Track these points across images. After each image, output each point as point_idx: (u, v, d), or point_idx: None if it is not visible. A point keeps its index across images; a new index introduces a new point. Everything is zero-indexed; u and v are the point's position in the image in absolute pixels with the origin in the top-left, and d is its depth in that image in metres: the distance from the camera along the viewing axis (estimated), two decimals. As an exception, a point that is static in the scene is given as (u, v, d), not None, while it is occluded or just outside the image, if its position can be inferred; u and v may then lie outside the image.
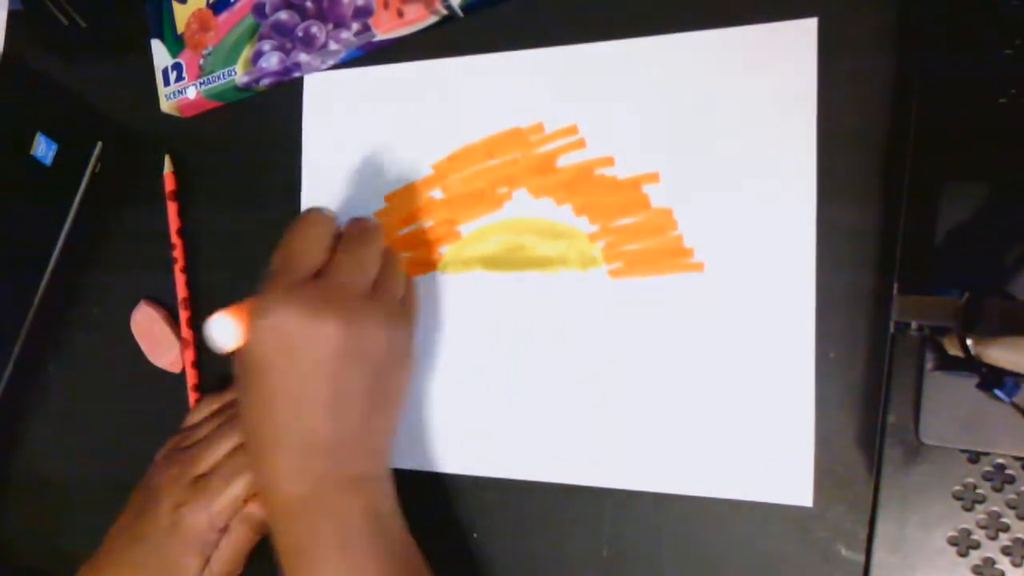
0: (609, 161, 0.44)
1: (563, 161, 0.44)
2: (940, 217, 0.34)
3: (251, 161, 0.51)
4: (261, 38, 0.48)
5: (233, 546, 0.45)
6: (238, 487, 0.44)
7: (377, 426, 0.40)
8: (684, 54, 0.42)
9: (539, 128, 0.45)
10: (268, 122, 0.51)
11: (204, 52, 0.50)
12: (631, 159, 0.43)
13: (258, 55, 0.48)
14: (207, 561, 0.44)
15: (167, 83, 0.51)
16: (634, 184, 0.43)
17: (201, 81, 0.50)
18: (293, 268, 0.39)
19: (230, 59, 0.49)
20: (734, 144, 0.41)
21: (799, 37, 0.40)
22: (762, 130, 0.41)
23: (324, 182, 0.49)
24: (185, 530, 0.43)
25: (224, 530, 0.44)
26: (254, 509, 0.45)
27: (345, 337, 0.37)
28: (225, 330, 0.38)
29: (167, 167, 0.53)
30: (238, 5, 0.49)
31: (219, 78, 0.49)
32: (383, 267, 0.41)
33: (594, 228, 0.44)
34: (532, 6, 0.45)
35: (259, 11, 0.48)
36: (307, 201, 0.50)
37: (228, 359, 0.51)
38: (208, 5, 0.50)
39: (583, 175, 0.44)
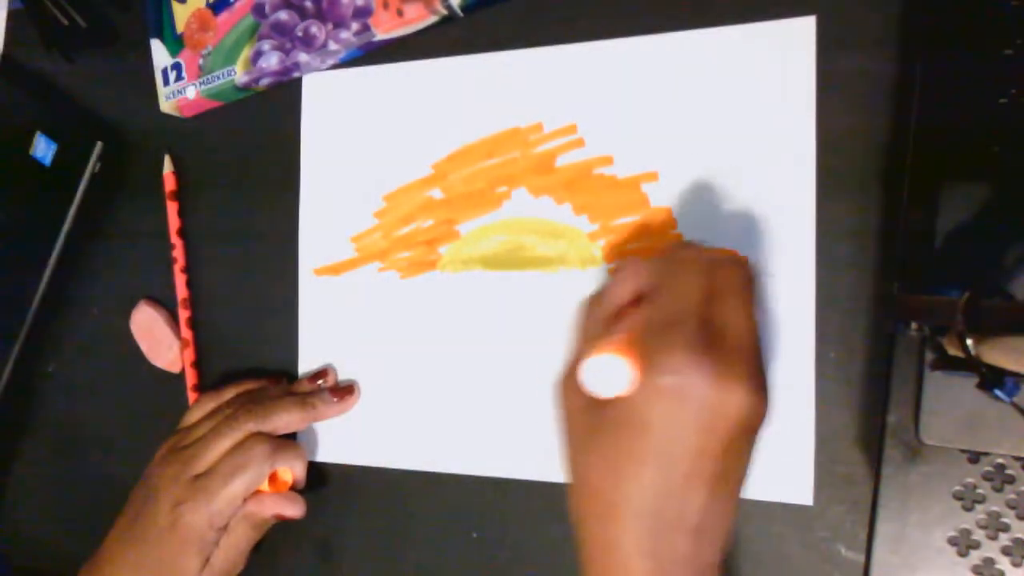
0: (608, 160, 0.44)
1: (562, 160, 0.44)
2: (940, 217, 0.34)
3: (251, 161, 0.51)
4: (261, 38, 0.48)
5: (234, 545, 0.45)
6: (237, 486, 0.43)
7: (736, 506, 0.35)
8: (683, 53, 0.42)
9: (538, 127, 0.45)
10: (268, 122, 0.51)
11: (204, 52, 0.50)
12: (630, 158, 0.43)
13: (258, 55, 0.48)
14: (207, 560, 0.44)
15: (167, 83, 0.51)
16: (633, 183, 0.43)
17: (201, 81, 0.50)
18: (690, 318, 0.33)
19: (230, 59, 0.49)
20: (733, 143, 0.41)
21: (797, 35, 0.40)
22: (761, 128, 0.41)
23: (323, 182, 0.49)
24: (184, 529, 0.43)
25: (223, 529, 0.44)
26: (255, 507, 0.45)
27: (750, 411, 0.32)
28: (613, 374, 0.32)
29: (167, 167, 0.53)
30: (238, 5, 0.49)
31: (219, 78, 0.49)
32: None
33: (594, 227, 0.44)
34: (532, 6, 0.45)
35: (259, 11, 0.48)
36: (307, 201, 0.50)
37: (228, 360, 0.51)
38: (208, 5, 0.50)
39: (582, 174, 0.44)
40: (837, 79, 0.40)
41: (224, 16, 0.49)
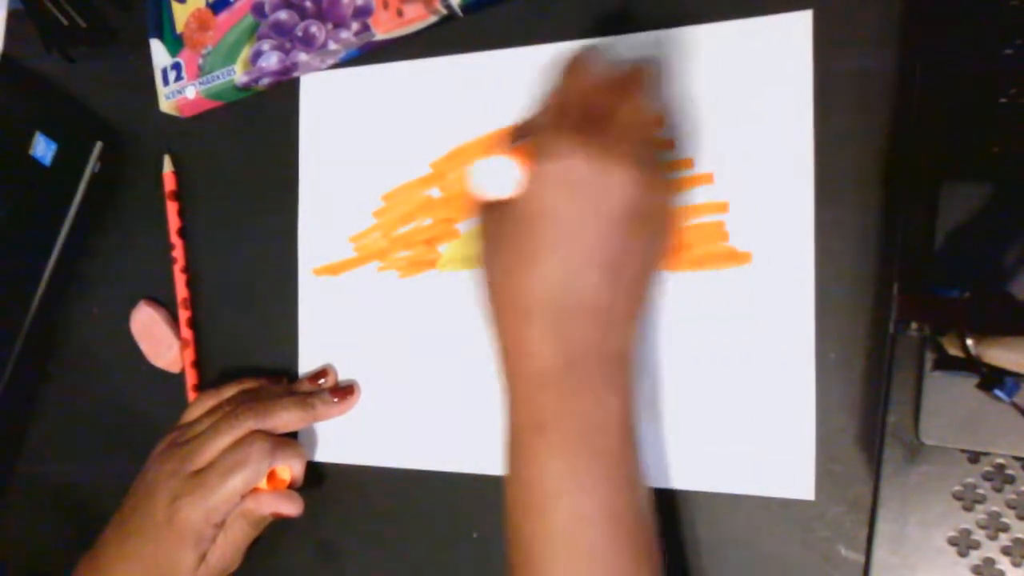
0: (609, 161, 0.44)
1: (563, 161, 0.44)
2: (940, 217, 0.34)
3: (250, 161, 0.51)
4: (260, 38, 0.48)
5: (231, 541, 0.45)
6: (235, 483, 0.43)
7: (643, 296, 0.36)
8: (678, 50, 0.42)
9: (539, 128, 0.45)
10: (267, 122, 0.51)
11: (203, 52, 0.50)
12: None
13: (257, 55, 0.48)
14: (203, 555, 0.44)
15: (166, 83, 0.51)
16: (634, 184, 0.43)
17: (200, 81, 0.50)
18: (573, 109, 0.35)
19: (229, 59, 0.49)
20: (731, 141, 0.41)
21: (794, 30, 0.40)
22: (758, 126, 0.41)
23: (323, 181, 0.49)
24: (181, 524, 0.43)
25: (220, 525, 0.44)
26: (253, 505, 0.45)
27: (638, 191, 0.33)
28: (503, 173, 0.34)
29: (167, 167, 0.53)
30: (237, 5, 0.49)
31: (218, 78, 0.49)
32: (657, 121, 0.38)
33: (594, 228, 0.44)
34: (532, 6, 0.45)
35: (258, 11, 0.48)
36: (306, 201, 0.50)
37: (228, 360, 0.51)
38: (207, 5, 0.50)
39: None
40: (837, 78, 0.40)
41: (224, 16, 0.49)
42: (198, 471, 0.44)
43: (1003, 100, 0.34)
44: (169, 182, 0.53)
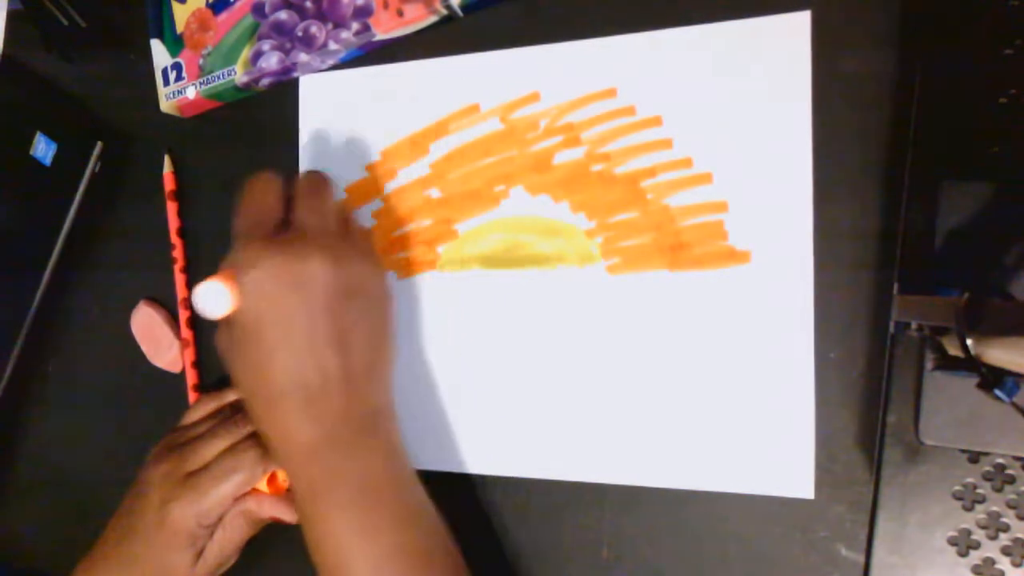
0: (605, 157, 0.44)
1: (559, 158, 0.44)
2: (940, 217, 0.34)
3: (251, 161, 0.51)
4: (261, 38, 0.48)
5: (229, 539, 0.45)
6: (227, 487, 0.43)
7: (381, 357, 0.41)
8: (678, 50, 0.42)
9: (535, 126, 0.45)
10: (267, 122, 0.51)
11: (204, 52, 0.50)
12: (626, 156, 0.43)
13: (258, 55, 0.48)
14: (199, 553, 0.44)
15: (167, 83, 0.51)
16: (631, 180, 0.43)
17: (201, 81, 0.50)
18: (260, 226, 0.40)
19: (230, 59, 0.49)
20: (730, 140, 0.41)
21: (792, 31, 0.40)
22: (757, 125, 0.41)
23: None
24: (172, 526, 0.43)
25: (213, 526, 0.44)
26: (253, 507, 0.45)
27: (334, 273, 0.38)
28: (216, 295, 0.38)
29: (167, 167, 0.53)
30: (237, 5, 0.49)
31: (219, 78, 0.49)
32: (342, 212, 0.43)
33: (591, 224, 0.44)
34: (532, 6, 0.45)
35: (259, 11, 0.48)
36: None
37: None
38: (207, 5, 0.50)
39: (579, 172, 0.44)
40: (836, 78, 0.40)
41: (224, 16, 0.49)
42: (191, 474, 0.44)
43: (1003, 100, 0.34)
44: (169, 182, 0.53)
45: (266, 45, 0.48)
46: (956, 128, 0.35)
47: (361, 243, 0.42)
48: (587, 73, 0.44)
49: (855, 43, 0.40)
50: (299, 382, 0.38)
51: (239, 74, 0.49)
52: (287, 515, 0.46)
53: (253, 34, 0.48)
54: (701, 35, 0.42)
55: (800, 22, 0.40)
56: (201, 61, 0.50)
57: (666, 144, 0.43)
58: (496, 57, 0.46)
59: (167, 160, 0.53)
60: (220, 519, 0.44)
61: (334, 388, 0.38)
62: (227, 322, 0.39)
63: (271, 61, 0.48)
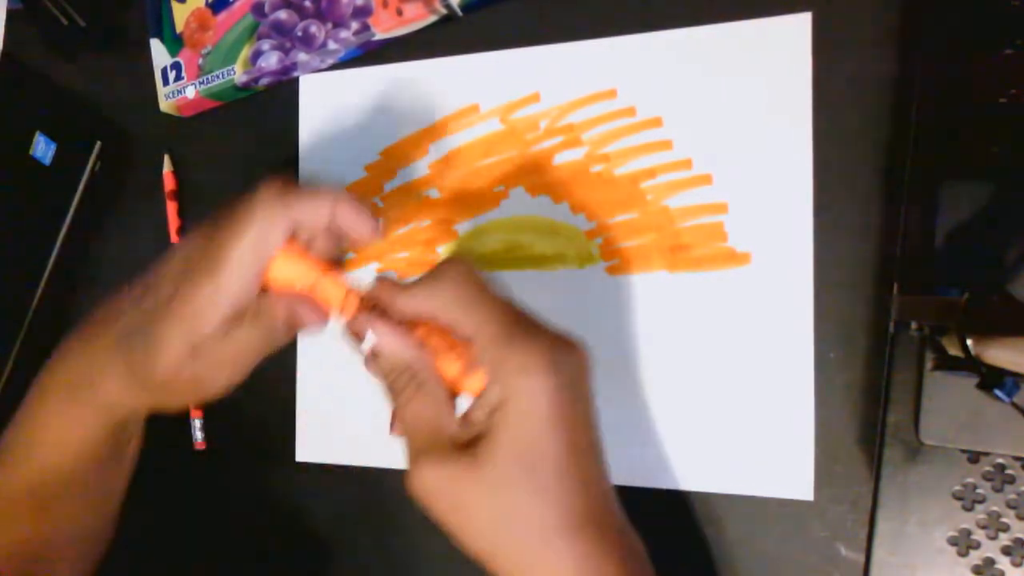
0: (605, 158, 0.44)
1: (559, 159, 0.44)
2: (940, 217, 0.34)
3: (250, 160, 0.51)
4: (260, 37, 0.48)
5: (236, 347, 0.36)
6: (244, 246, 0.33)
7: (605, 475, 0.35)
8: (677, 51, 0.42)
9: (535, 126, 0.45)
10: (267, 122, 0.51)
11: (203, 52, 0.50)
12: (626, 156, 0.43)
13: (257, 54, 0.48)
14: (194, 346, 0.35)
15: (166, 83, 0.51)
16: (631, 181, 0.43)
17: (200, 80, 0.50)
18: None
19: (229, 58, 0.49)
20: (730, 141, 0.41)
21: (793, 32, 0.40)
22: (758, 127, 0.41)
23: (322, 181, 0.49)
24: (183, 299, 0.34)
25: (227, 320, 0.35)
26: (278, 307, 0.36)
27: (573, 380, 0.33)
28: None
29: (167, 167, 0.53)
30: (237, 4, 0.49)
31: (218, 77, 0.49)
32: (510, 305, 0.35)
33: (591, 225, 0.44)
34: (532, 6, 0.45)
35: (258, 10, 0.48)
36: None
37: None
38: (207, 4, 0.50)
39: (579, 172, 0.44)
40: (836, 79, 0.40)
41: (223, 16, 0.49)
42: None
43: (1003, 100, 0.34)
44: (169, 182, 0.53)
45: (266, 45, 0.48)
46: (956, 128, 0.35)
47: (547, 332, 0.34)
48: (587, 74, 0.44)
49: (855, 44, 0.40)
50: (588, 513, 0.32)
51: (238, 73, 0.49)
52: (312, 318, 0.36)
53: (252, 34, 0.48)
54: (702, 36, 0.42)
55: (801, 23, 0.40)
56: (200, 61, 0.50)
57: (666, 145, 0.43)
58: (496, 57, 0.46)
59: (167, 160, 0.53)
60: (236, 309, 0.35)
61: (587, 525, 0.32)
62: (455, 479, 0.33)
63: (271, 61, 0.48)
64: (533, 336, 0.32)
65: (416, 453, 0.34)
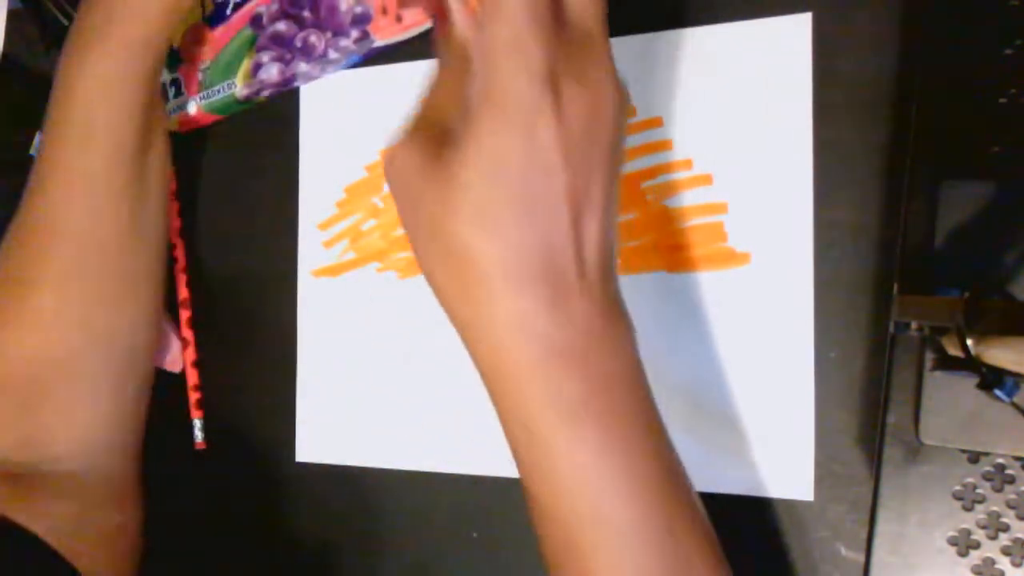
0: (609, 161, 0.44)
1: (563, 161, 0.44)
2: (940, 217, 0.34)
3: (251, 161, 0.51)
4: (260, 49, 0.48)
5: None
6: None
7: (614, 203, 0.30)
8: (677, 51, 0.42)
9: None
10: (268, 122, 0.51)
11: (202, 67, 0.49)
12: (626, 157, 0.43)
13: (257, 67, 0.48)
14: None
15: (167, 99, 0.51)
16: (630, 181, 0.43)
17: (201, 95, 0.50)
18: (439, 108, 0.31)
19: (229, 71, 0.49)
20: (730, 142, 0.41)
21: (793, 33, 0.40)
22: (757, 127, 0.41)
23: (322, 182, 0.49)
24: None
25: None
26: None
27: (566, 104, 0.28)
28: None
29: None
30: (234, 18, 0.49)
31: (219, 92, 0.49)
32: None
33: (593, 228, 0.44)
34: (532, 6, 0.45)
35: (256, 22, 0.48)
36: (305, 201, 0.50)
37: (228, 360, 0.51)
38: (203, 19, 0.50)
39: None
40: (836, 80, 0.40)
41: (221, 29, 0.49)
42: None
43: (1003, 100, 0.34)
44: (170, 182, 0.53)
45: (265, 56, 0.48)
46: (956, 128, 0.35)
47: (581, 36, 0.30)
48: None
49: (855, 44, 0.40)
50: (534, 257, 0.27)
51: (239, 87, 0.48)
52: None
53: (252, 46, 0.48)
54: (701, 37, 0.42)
55: (801, 24, 0.40)
56: (200, 76, 0.50)
57: (666, 145, 0.43)
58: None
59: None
60: None
61: (573, 269, 0.28)
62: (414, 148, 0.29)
63: (271, 72, 0.48)
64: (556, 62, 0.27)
65: (410, 130, 0.30)
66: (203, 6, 0.49)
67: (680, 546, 0.30)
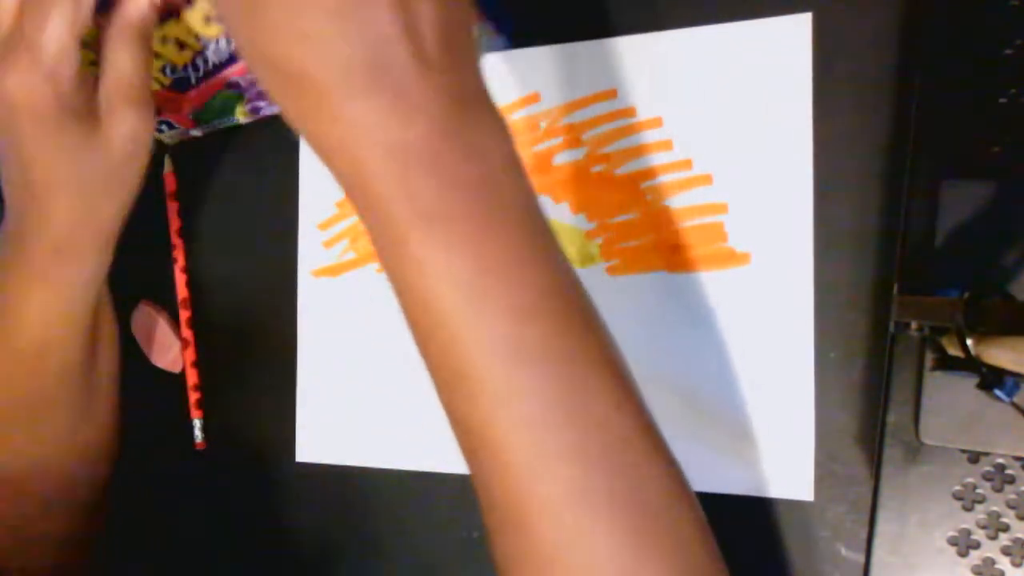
0: (605, 158, 0.44)
1: (560, 159, 0.44)
2: (940, 217, 0.34)
3: (251, 161, 0.51)
4: (251, 100, 0.47)
5: (122, 131, 0.35)
6: (57, 24, 0.31)
7: (467, 38, 0.28)
8: (677, 51, 0.42)
9: (535, 126, 0.45)
10: (268, 122, 0.51)
11: (190, 114, 0.48)
12: (627, 157, 0.43)
13: (256, 109, 0.47)
14: (97, 130, 0.34)
15: (160, 131, 0.49)
16: (631, 181, 0.43)
17: (200, 127, 0.49)
18: None
19: (224, 112, 0.47)
20: (730, 142, 0.41)
21: (793, 32, 0.40)
22: (757, 127, 0.41)
23: (322, 182, 0.49)
24: (25, 106, 0.32)
25: (81, 89, 0.33)
26: (129, 9, 0.34)
27: None
28: None
29: (167, 167, 0.53)
30: (204, 85, 0.45)
31: (217, 124, 0.48)
32: None
33: (592, 225, 0.44)
34: (530, 7, 0.45)
35: (234, 86, 0.46)
36: (305, 201, 0.50)
37: (228, 360, 0.51)
38: (165, 87, 0.45)
39: (580, 173, 0.44)
40: (836, 80, 0.40)
41: (194, 92, 0.46)
42: (11, 41, 0.32)
43: (1003, 100, 0.34)
44: (169, 183, 0.53)
45: (262, 102, 0.47)
46: (956, 128, 0.35)
47: None
48: (587, 74, 0.44)
49: (855, 44, 0.40)
50: (361, 58, 0.25)
51: (241, 119, 0.48)
52: None
53: (241, 99, 0.47)
54: (702, 37, 0.42)
55: (801, 24, 0.40)
56: (192, 117, 0.48)
57: (666, 145, 0.43)
58: (496, 58, 0.46)
59: (167, 161, 0.53)
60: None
61: (435, 56, 0.26)
62: None
63: (273, 108, 0.46)
64: None
65: None
66: (160, 82, 0.45)
67: (574, 367, 0.27)
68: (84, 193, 0.35)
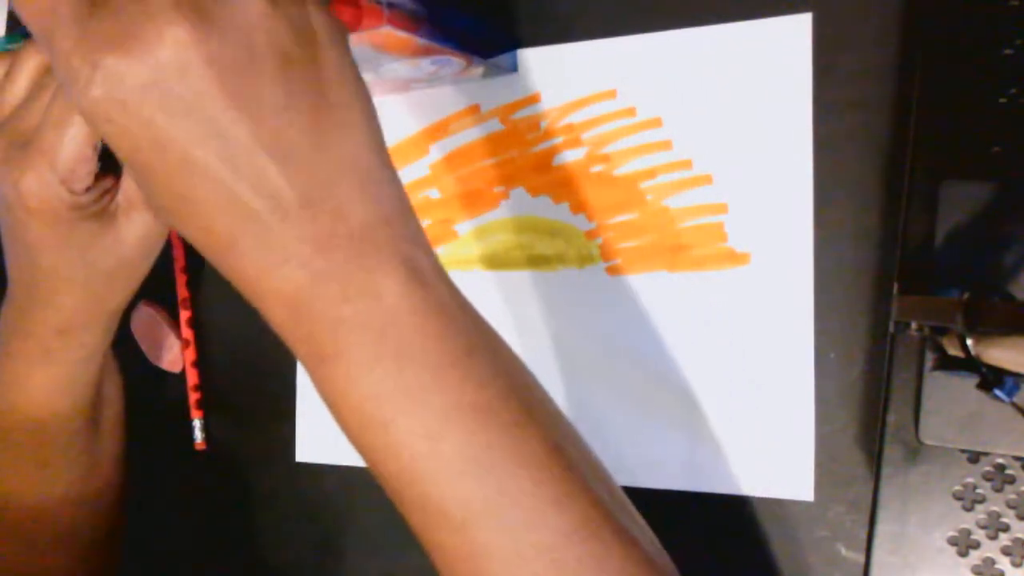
0: (605, 158, 0.44)
1: (560, 159, 0.45)
2: (940, 217, 0.34)
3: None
4: None
5: (136, 232, 0.35)
6: (76, 130, 0.31)
7: (355, 139, 0.29)
8: (677, 51, 0.42)
9: (535, 126, 0.45)
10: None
11: None
12: (626, 157, 0.43)
13: None
14: (103, 232, 0.34)
15: None
16: (631, 181, 0.43)
17: None
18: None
19: None
20: (730, 142, 0.41)
21: (793, 32, 0.40)
22: (757, 127, 0.41)
23: None
24: (38, 208, 0.32)
25: (94, 187, 0.33)
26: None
27: (206, 39, 0.24)
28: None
29: (167, 167, 0.53)
30: None
31: None
32: None
33: (592, 226, 0.44)
34: (530, 8, 0.45)
35: None
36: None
37: (228, 360, 0.51)
38: None
39: (579, 173, 0.44)
40: (836, 80, 0.40)
41: None
42: (30, 137, 0.32)
43: (1003, 100, 0.34)
44: (169, 182, 0.53)
45: None
46: (956, 128, 0.35)
47: None
48: (587, 74, 0.44)
49: (855, 44, 0.40)
50: (240, 215, 0.26)
51: None
52: None
53: None
54: (701, 37, 0.42)
55: (801, 24, 0.40)
56: None
57: (666, 145, 0.43)
58: (495, 59, 0.46)
59: (167, 160, 0.53)
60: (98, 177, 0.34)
61: (292, 207, 0.26)
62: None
63: None
64: None
65: None
66: None
67: (500, 474, 0.28)
68: (92, 285, 0.36)
